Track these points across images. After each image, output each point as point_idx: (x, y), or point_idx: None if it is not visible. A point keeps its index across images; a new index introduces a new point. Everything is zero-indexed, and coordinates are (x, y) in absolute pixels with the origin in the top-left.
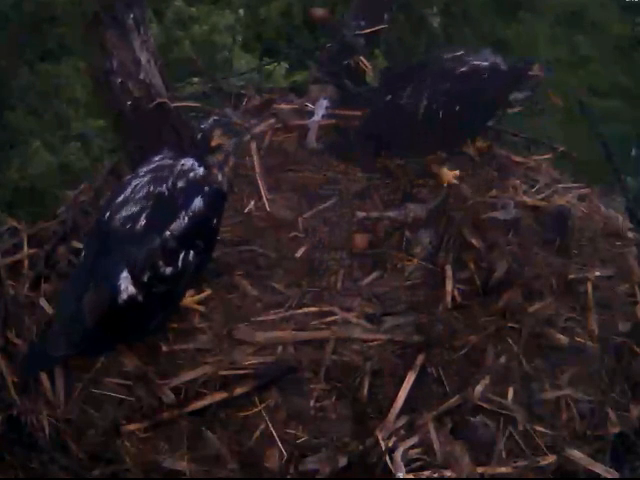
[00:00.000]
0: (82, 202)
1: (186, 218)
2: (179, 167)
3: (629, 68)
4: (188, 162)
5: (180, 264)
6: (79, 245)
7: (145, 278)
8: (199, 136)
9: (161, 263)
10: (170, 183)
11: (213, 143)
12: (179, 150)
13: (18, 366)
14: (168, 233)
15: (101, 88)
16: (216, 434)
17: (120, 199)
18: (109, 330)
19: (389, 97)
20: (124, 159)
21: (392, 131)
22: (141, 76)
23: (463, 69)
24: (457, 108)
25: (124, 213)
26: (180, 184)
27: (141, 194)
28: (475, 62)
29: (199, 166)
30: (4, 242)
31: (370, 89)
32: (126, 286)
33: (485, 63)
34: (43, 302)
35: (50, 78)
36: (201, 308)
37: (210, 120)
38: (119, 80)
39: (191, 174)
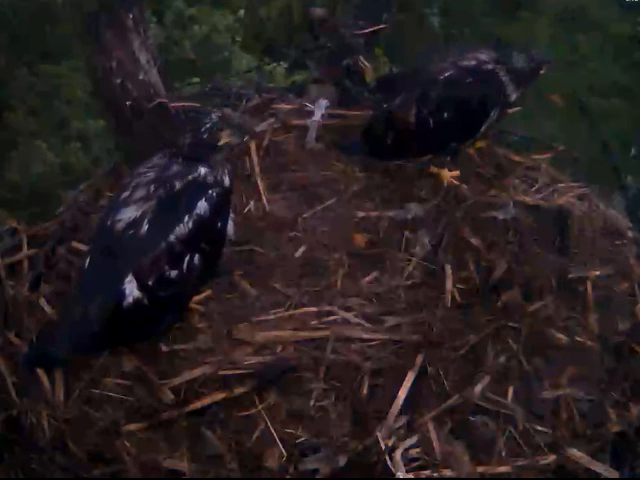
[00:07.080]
0: (82, 202)
1: (190, 222)
2: (182, 168)
3: (629, 68)
4: (191, 161)
5: (185, 267)
6: (79, 246)
7: (150, 282)
8: (204, 134)
9: (166, 267)
10: (172, 184)
11: (221, 142)
12: (179, 150)
13: (18, 366)
14: (172, 237)
15: (101, 88)
16: (216, 434)
17: (122, 202)
18: (115, 334)
19: (385, 105)
20: (124, 159)
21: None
22: (140, 76)
23: (448, 73)
24: (446, 114)
25: (127, 216)
26: (183, 185)
27: (143, 196)
28: (468, 64)
29: (202, 165)
30: (4, 242)
31: (370, 91)
32: (131, 290)
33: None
34: (43, 302)
35: (50, 78)
36: (201, 308)
37: (213, 117)
38: (119, 80)
39: (194, 174)
